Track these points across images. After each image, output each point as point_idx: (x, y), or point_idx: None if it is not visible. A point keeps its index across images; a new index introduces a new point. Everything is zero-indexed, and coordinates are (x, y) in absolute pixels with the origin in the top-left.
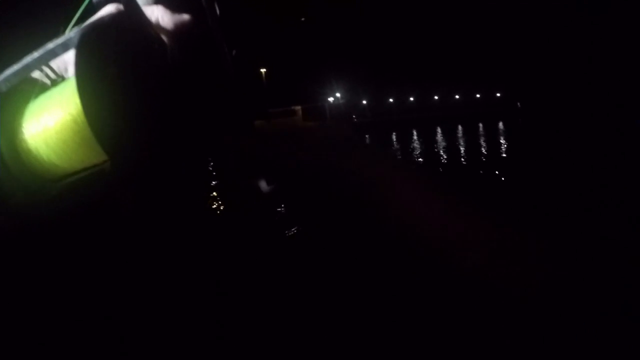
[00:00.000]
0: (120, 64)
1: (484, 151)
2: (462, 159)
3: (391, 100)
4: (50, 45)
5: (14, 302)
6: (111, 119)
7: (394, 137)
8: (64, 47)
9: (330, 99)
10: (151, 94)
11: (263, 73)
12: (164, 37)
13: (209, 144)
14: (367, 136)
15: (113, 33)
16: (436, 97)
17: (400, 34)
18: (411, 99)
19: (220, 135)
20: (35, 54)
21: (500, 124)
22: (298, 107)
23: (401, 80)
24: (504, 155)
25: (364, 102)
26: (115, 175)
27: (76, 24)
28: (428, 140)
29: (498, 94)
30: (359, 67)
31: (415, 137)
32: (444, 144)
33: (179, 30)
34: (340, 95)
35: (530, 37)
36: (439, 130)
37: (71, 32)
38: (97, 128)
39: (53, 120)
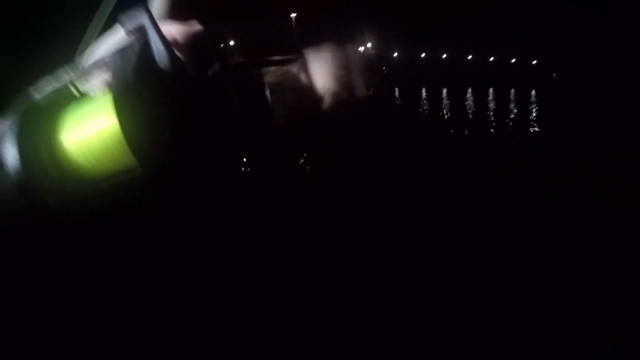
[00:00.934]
0: (149, 82)
1: (512, 120)
2: (491, 124)
3: (423, 55)
4: (86, 65)
5: (35, 295)
6: (145, 132)
7: (423, 92)
8: (98, 67)
9: (361, 49)
10: (177, 107)
11: (293, 18)
12: (179, 53)
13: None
14: (396, 89)
15: (140, 55)
16: (469, 57)
17: None
18: (444, 56)
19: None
20: (72, 73)
21: (533, 93)
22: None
23: (435, 36)
24: (534, 127)
25: (395, 54)
26: (145, 182)
27: (103, 29)
28: (457, 101)
29: (534, 62)
30: (393, 18)
31: (444, 95)
32: (473, 106)
33: (191, 45)
34: (372, 45)
35: (576, 6)
36: (469, 91)
37: (105, 54)
38: (132, 140)
39: (92, 130)
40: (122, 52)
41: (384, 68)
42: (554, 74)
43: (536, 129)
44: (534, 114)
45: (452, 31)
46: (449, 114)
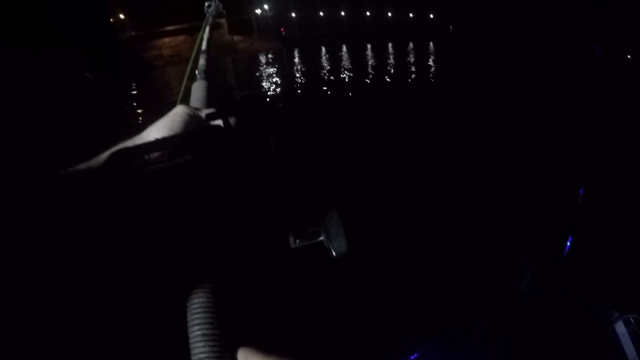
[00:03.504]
0: (221, 154)
1: (411, 70)
2: (389, 78)
3: (321, 14)
4: (174, 136)
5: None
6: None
7: (323, 51)
8: (188, 139)
9: (258, 11)
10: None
11: None
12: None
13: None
14: (295, 50)
15: (218, 137)
16: (368, 14)
17: None
18: (342, 13)
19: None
20: (163, 140)
21: (431, 45)
22: (223, 20)
23: None
24: (432, 75)
25: (293, 15)
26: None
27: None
28: (357, 57)
29: (431, 15)
30: None
31: (344, 52)
32: (372, 61)
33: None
34: (268, 7)
35: None
36: (369, 47)
37: (192, 130)
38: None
39: (174, 182)
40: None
41: (282, 30)
42: (451, 27)
43: (433, 76)
44: (432, 63)
45: None
46: (351, 70)
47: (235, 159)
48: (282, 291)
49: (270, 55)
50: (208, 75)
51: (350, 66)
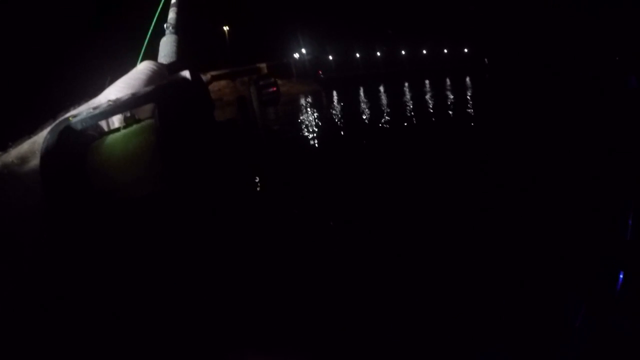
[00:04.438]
0: (188, 114)
1: (450, 106)
2: (431, 115)
3: (358, 55)
4: (129, 98)
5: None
6: (177, 153)
7: (361, 91)
8: (144, 100)
9: (296, 55)
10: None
11: (226, 31)
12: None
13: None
14: (334, 91)
15: (183, 93)
16: (403, 52)
17: None
18: (378, 54)
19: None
20: (116, 104)
21: (468, 79)
22: (263, 65)
23: (368, 35)
24: (471, 110)
25: (330, 57)
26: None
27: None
28: (395, 95)
29: (465, 50)
30: (325, 21)
31: (382, 92)
32: (410, 100)
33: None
34: (306, 51)
35: None
36: (406, 84)
37: (149, 88)
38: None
39: (133, 153)
40: (170, 86)
41: (320, 72)
42: (486, 60)
43: (471, 111)
44: (469, 98)
45: (384, 29)
46: (388, 109)
47: (205, 117)
48: (274, 291)
49: (309, 98)
50: (178, 29)
51: (388, 104)
